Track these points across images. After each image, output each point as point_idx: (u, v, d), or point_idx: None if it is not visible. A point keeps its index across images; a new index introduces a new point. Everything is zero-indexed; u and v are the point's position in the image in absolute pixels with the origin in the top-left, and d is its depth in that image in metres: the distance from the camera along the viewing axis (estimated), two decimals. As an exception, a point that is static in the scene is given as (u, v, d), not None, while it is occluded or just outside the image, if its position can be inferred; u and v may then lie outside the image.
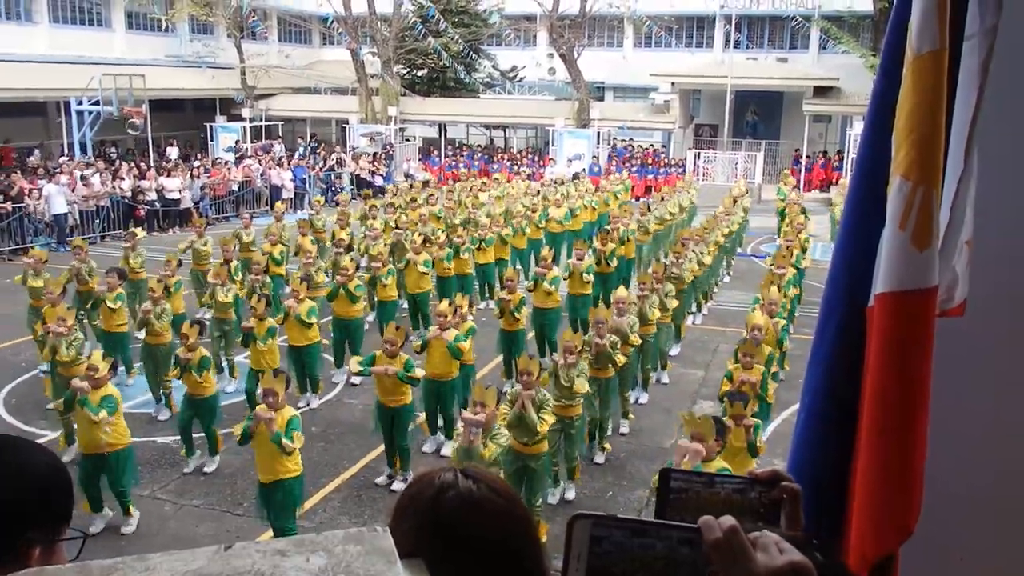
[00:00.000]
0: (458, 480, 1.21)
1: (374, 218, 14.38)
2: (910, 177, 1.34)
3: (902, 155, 1.35)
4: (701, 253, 12.45)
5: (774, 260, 11.24)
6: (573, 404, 7.43)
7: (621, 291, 9.37)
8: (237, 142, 27.75)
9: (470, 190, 19.10)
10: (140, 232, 12.83)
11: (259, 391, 6.74)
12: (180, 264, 11.02)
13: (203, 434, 8.26)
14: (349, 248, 12.51)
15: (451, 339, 8.21)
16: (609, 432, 8.77)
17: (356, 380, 10.29)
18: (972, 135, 1.40)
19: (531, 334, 10.81)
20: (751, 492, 0.99)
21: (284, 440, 6.17)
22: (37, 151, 23.05)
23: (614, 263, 12.62)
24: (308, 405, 9.62)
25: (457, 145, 31.88)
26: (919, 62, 1.31)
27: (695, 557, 0.83)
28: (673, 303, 10.13)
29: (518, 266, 14.06)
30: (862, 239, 1.51)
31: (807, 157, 28.00)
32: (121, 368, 10.24)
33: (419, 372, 7.78)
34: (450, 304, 8.77)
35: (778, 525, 0.98)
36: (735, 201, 17.30)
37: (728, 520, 0.82)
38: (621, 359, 8.24)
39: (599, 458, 8.45)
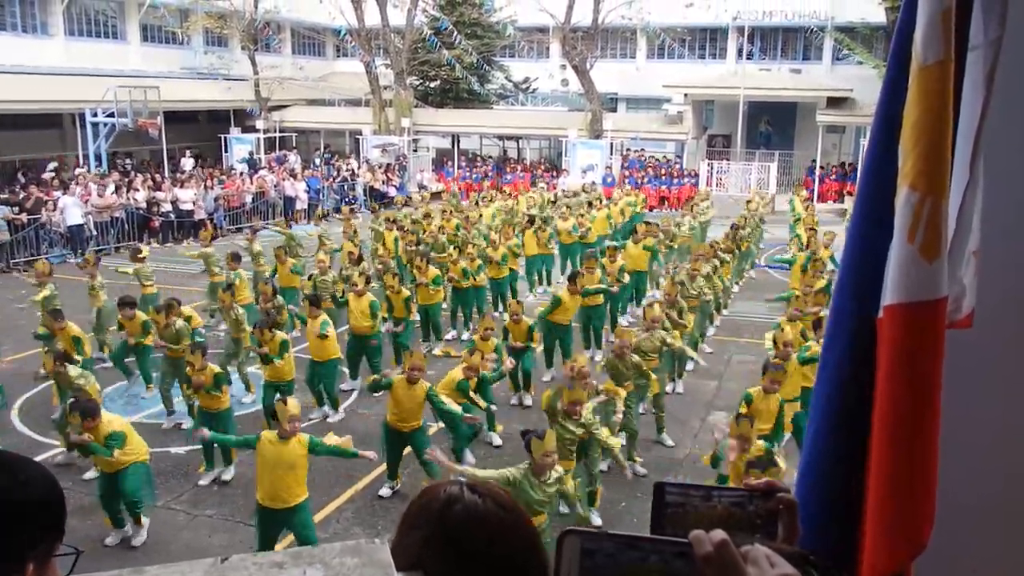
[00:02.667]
0: (464, 494, 1.23)
1: (390, 230, 14.54)
2: (918, 188, 1.33)
3: (909, 165, 1.34)
4: (715, 269, 12.35)
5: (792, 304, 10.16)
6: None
7: (656, 309, 9.24)
8: (251, 153, 27.93)
9: (476, 204, 19.07)
10: (145, 249, 13.01)
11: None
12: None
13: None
14: (360, 260, 12.54)
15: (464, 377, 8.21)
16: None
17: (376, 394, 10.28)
18: (977, 145, 1.39)
19: (540, 348, 10.81)
20: (749, 505, 0.98)
21: (328, 443, 6.43)
22: (54, 163, 23.15)
23: (625, 278, 12.55)
24: (325, 418, 9.63)
25: (470, 156, 31.96)
26: (925, 72, 1.31)
27: (689, 572, 0.82)
28: (687, 322, 10.11)
29: (527, 293, 14.08)
30: (869, 249, 1.50)
31: (821, 168, 27.88)
32: (138, 375, 10.38)
33: (454, 406, 7.82)
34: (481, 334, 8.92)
35: (775, 537, 0.97)
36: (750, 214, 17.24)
37: (718, 534, 0.82)
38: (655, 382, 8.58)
39: (640, 469, 8.43)
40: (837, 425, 1.59)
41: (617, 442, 7.11)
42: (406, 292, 11.39)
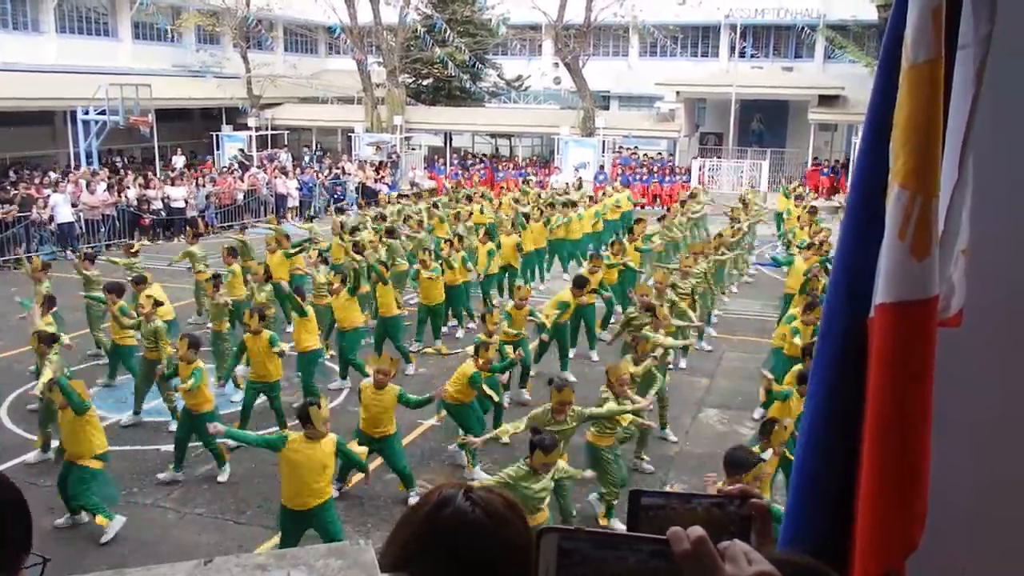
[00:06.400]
0: (457, 498, 1.23)
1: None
2: (908, 186, 1.33)
3: (900, 164, 1.34)
4: (710, 265, 12.38)
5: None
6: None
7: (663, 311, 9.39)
8: (241, 150, 27.79)
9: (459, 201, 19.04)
10: (138, 245, 13.26)
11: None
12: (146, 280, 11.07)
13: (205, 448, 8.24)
14: (324, 261, 12.67)
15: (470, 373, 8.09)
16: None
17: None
18: (967, 144, 1.39)
19: (533, 344, 10.81)
20: (726, 509, 0.99)
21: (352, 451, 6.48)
22: (52, 173, 22.70)
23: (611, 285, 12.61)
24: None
25: (462, 154, 31.92)
26: (915, 71, 1.31)
27: (668, 570, 0.82)
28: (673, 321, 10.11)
29: (520, 280, 14.12)
30: (862, 247, 1.50)
31: (815, 164, 28.00)
32: (127, 376, 10.35)
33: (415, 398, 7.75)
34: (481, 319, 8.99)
35: (749, 541, 0.97)
36: (746, 208, 17.29)
37: (696, 530, 0.82)
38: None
39: (647, 467, 8.45)
40: (830, 424, 1.59)
41: (578, 472, 6.67)
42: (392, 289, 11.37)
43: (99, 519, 7.06)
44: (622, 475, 7.35)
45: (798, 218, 16.94)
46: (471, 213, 16.58)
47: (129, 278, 10.83)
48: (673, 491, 1.01)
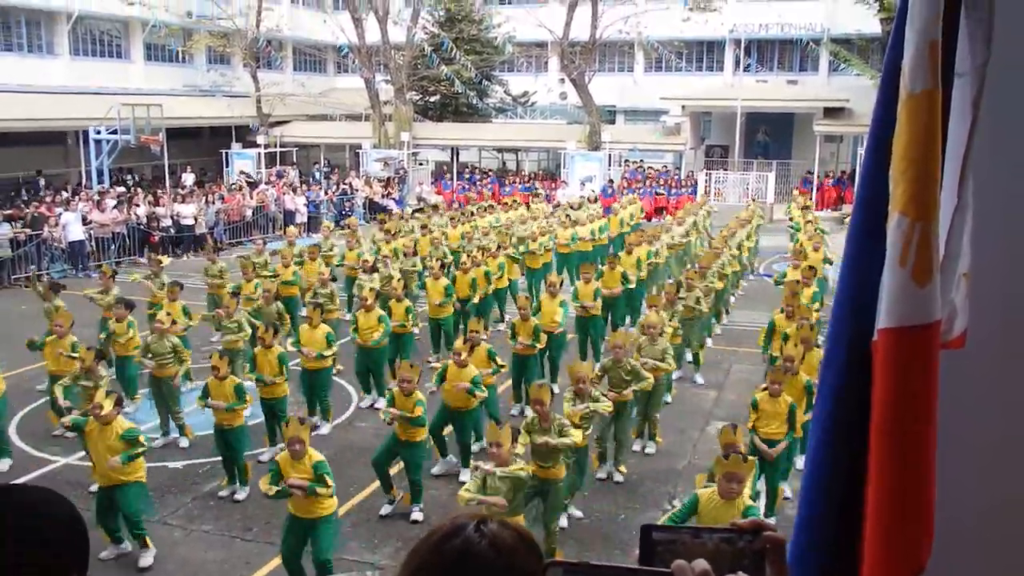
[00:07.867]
0: (467, 528, 1.23)
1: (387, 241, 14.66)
2: (908, 213, 1.35)
3: (899, 191, 1.36)
4: (712, 280, 12.35)
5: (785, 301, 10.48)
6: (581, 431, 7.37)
7: (653, 316, 9.27)
8: (243, 172, 27.90)
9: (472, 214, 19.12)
10: (165, 259, 13.21)
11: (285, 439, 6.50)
12: (182, 287, 11.20)
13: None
14: (374, 269, 12.60)
15: (468, 377, 8.17)
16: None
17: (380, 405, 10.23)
18: (966, 169, 1.41)
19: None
20: (737, 543, 0.99)
21: (319, 490, 6.21)
22: (63, 191, 22.83)
23: (633, 280, 12.67)
24: (317, 429, 9.52)
25: (470, 169, 32.05)
26: (913, 101, 1.32)
27: None
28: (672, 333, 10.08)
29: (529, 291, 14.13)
30: (867, 264, 1.51)
31: (824, 175, 28.02)
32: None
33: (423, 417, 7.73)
34: (465, 341, 8.80)
35: (764, 575, 0.98)
36: (743, 224, 17.28)
37: (700, 564, 0.83)
38: (648, 383, 8.34)
39: (617, 476, 8.44)
40: (836, 442, 1.60)
41: (577, 434, 6.93)
42: (407, 302, 11.31)
43: (148, 542, 6.96)
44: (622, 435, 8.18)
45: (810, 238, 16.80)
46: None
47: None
48: (683, 526, 1.02)
